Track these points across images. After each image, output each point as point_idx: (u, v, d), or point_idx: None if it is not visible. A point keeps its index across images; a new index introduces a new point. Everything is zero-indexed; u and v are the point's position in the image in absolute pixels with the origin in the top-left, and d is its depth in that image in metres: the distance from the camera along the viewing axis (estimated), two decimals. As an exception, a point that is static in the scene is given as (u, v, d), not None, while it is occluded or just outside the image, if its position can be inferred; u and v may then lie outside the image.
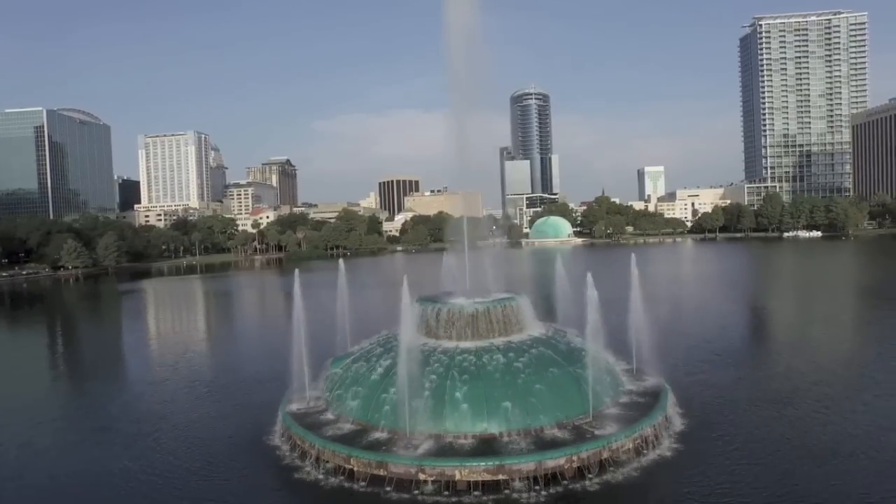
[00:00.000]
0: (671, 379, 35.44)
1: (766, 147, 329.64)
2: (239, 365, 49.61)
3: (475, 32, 34.24)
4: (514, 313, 31.52)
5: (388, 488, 23.87)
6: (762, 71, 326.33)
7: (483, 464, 23.39)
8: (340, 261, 41.89)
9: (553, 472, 23.50)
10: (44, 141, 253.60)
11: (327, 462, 25.85)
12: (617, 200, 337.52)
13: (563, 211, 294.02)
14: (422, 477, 23.67)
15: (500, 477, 23.30)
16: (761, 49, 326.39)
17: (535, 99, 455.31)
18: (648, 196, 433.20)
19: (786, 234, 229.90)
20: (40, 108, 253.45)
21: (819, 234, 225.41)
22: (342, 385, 30.54)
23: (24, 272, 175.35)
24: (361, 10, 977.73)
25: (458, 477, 23.37)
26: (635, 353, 33.87)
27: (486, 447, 24.48)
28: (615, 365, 32.90)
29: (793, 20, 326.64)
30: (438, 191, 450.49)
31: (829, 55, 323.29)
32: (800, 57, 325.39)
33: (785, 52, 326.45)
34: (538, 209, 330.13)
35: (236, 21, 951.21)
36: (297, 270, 33.47)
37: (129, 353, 61.53)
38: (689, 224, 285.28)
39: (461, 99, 35.02)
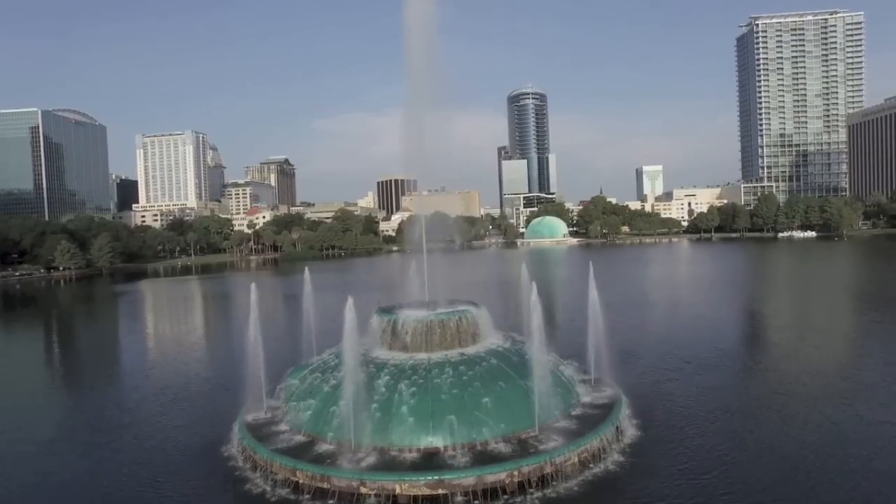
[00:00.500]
0: (634, 388, 35.47)
1: (762, 147, 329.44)
2: (212, 371, 49.62)
3: (432, 27, 33.62)
4: (469, 325, 31.52)
5: (331, 501, 23.95)
6: (759, 71, 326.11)
7: (423, 478, 23.42)
8: (306, 269, 41.77)
9: (494, 487, 23.53)
10: (39, 141, 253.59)
11: (275, 474, 25.91)
12: (614, 200, 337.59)
13: (560, 211, 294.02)
14: (363, 490, 23.72)
15: (441, 491, 23.32)
16: (758, 49, 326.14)
17: (533, 98, 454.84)
18: (646, 196, 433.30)
19: (780, 235, 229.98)
20: (35, 109, 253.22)
21: (814, 234, 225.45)
22: (297, 396, 30.61)
23: (18, 273, 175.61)
24: (361, 9, 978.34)
25: (398, 491, 23.43)
26: (595, 362, 33.84)
27: (429, 461, 24.52)
28: (573, 375, 32.88)
29: (789, 20, 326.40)
30: (436, 190, 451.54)
31: (826, 55, 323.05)
32: (796, 57, 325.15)
33: (781, 52, 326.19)
34: (535, 209, 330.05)
35: (236, 20, 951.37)
36: (252, 285, 33.44)
37: (105, 358, 61.17)
38: (685, 224, 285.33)
39: (419, 96, 34.42)
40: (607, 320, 34.71)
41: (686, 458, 27.16)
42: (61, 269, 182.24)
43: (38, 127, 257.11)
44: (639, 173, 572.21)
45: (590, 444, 26.05)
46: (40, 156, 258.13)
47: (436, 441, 25.37)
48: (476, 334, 31.72)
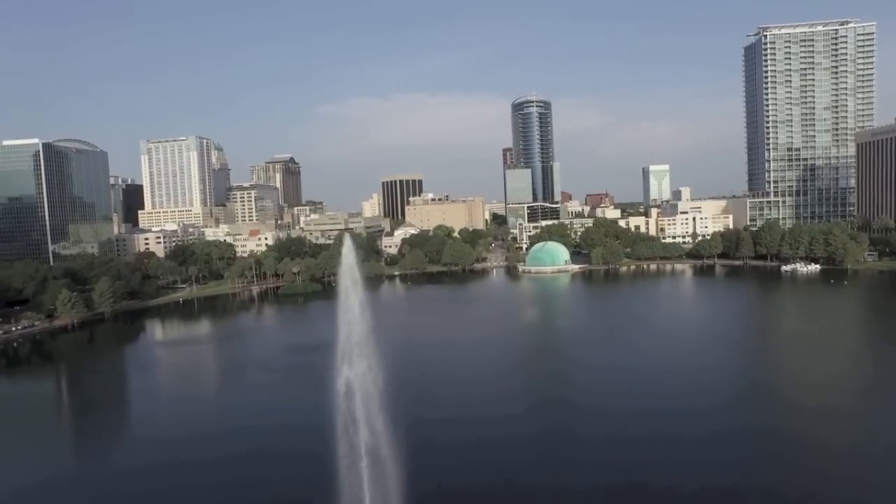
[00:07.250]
0: None
1: (769, 161, 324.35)
2: None
3: None
4: None
5: None
6: (766, 83, 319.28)
7: None
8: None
9: None
10: (41, 172, 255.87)
11: None
12: (618, 214, 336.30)
13: (562, 231, 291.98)
14: None
15: None
16: (766, 60, 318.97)
17: (536, 107, 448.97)
18: (653, 201, 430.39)
19: (784, 268, 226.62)
20: (36, 140, 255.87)
21: (818, 268, 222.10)
22: None
23: (20, 326, 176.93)
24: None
25: None
26: None
27: None
28: None
29: (798, 30, 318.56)
30: (440, 199, 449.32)
31: (836, 66, 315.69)
32: (805, 68, 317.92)
33: (790, 64, 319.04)
34: (538, 224, 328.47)
35: (240, 13, 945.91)
36: None
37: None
38: (687, 245, 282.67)
39: None
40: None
41: None
42: (58, 315, 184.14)
43: (39, 156, 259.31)
44: (645, 172, 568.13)
45: None
46: (42, 186, 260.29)
47: None
48: None
